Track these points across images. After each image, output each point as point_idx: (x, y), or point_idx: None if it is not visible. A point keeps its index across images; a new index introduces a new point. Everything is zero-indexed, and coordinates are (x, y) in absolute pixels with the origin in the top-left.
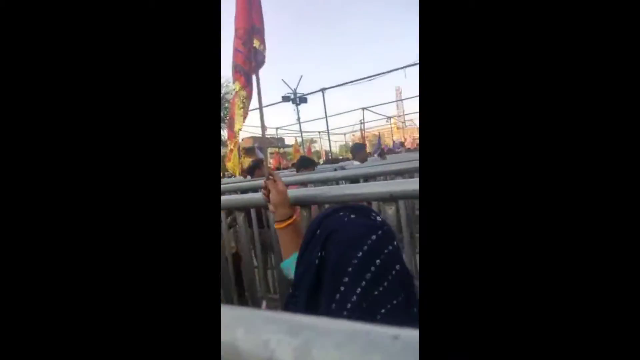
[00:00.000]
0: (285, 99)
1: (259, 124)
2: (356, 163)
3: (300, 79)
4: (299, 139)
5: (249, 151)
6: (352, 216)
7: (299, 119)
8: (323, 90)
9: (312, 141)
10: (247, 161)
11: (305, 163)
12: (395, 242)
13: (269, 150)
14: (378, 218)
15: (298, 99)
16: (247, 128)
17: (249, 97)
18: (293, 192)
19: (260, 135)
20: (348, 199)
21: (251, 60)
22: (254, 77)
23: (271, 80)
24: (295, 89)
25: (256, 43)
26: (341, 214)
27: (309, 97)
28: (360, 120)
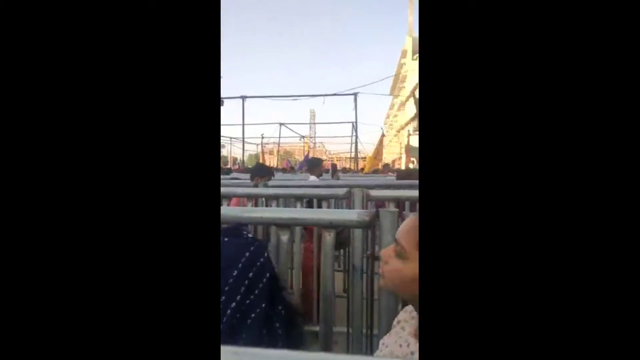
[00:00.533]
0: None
1: None
2: (312, 178)
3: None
4: None
5: None
6: (225, 239)
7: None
8: (243, 97)
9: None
10: None
11: (262, 171)
12: (266, 254)
13: None
14: (249, 235)
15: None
16: None
17: None
18: (234, 211)
19: None
20: (293, 223)
21: None
22: None
23: None
24: None
25: None
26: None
27: (225, 101)
28: (262, 135)
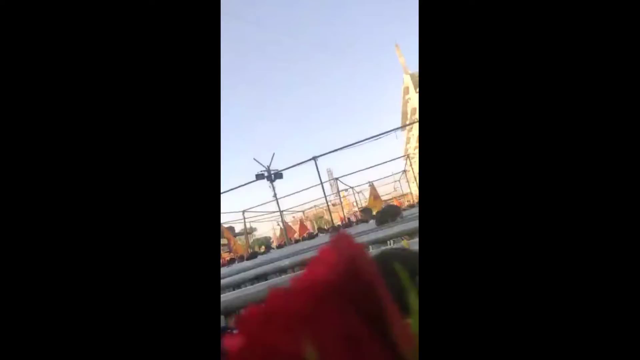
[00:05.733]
0: (259, 176)
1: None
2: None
3: (273, 156)
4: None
5: None
6: None
7: (275, 195)
8: (315, 158)
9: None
10: None
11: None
12: None
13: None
14: None
15: (273, 175)
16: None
17: None
18: None
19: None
20: None
21: None
22: None
23: (244, 161)
24: (268, 166)
25: None
26: None
27: (288, 172)
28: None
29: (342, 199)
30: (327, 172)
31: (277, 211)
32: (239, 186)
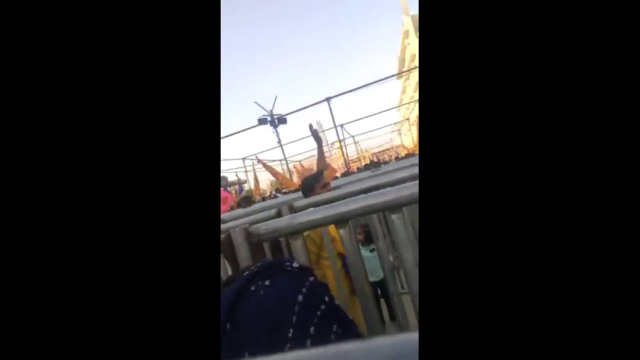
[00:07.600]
0: (262, 121)
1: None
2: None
3: (275, 100)
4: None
5: None
6: (266, 283)
7: (279, 141)
8: (329, 99)
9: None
10: None
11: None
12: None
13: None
14: (294, 265)
15: (276, 120)
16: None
17: None
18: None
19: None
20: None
21: None
22: None
23: (245, 104)
24: (271, 110)
25: None
26: (253, 289)
27: (290, 116)
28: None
29: (345, 148)
30: (317, 123)
31: (278, 160)
32: (238, 132)
